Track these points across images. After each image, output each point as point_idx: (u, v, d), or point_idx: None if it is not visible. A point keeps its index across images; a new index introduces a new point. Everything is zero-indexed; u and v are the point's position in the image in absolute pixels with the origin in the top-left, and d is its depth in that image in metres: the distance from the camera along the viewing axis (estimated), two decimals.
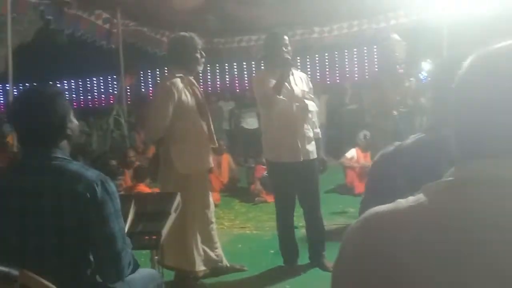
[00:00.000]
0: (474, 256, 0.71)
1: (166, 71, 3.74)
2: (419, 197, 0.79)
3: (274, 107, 3.65)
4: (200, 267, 3.61)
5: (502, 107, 0.76)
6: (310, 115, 3.80)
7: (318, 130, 3.98)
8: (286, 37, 3.78)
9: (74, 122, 1.92)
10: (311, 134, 3.80)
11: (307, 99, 3.77)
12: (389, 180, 1.37)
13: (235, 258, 4.05)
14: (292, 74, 3.78)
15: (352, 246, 0.81)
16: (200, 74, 12.80)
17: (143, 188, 5.53)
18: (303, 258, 3.96)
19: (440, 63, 1.59)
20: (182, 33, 3.62)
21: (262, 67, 3.71)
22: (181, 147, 3.49)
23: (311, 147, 3.78)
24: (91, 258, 1.85)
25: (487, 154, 0.77)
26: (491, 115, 0.77)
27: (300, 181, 3.78)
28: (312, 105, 3.80)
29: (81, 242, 1.78)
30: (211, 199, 3.78)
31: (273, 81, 3.62)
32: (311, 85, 3.92)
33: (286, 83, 3.66)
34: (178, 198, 2.68)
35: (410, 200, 0.79)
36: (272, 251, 4.32)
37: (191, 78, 3.58)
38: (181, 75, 3.49)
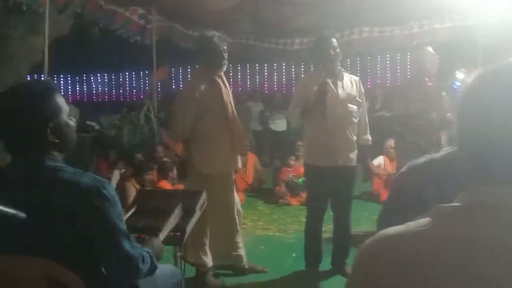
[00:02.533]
0: (477, 282, 0.71)
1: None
2: (427, 221, 0.80)
3: (296, 123, 3.72)
4: (209, 263, 3.63)
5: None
6: (355, 120, 3.74)
7: (367, 136, 3.92)
8: (334, 40, 3.74)
9: (67, 123, 1.69)
10: (353, 140, 3.76)
11: (353, 103, 3.70)
12: (415, 192, 1.35)
13: (257, 259, 4.05)
14: (341, 78, 3.73)
15: (362, 273, 0.83)
16: (231, 74, 12.91)
17: (164, 184, 5.57)
18: (325, 263, 3.94)
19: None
20: (207, 34, 3.61)
21: (303, 71, 3.70)
22: (202, 147, 3.51)
23: (352, 153, 3.73)
24: (103, 269, 1.71)
25: (496, 179, 0.77)
26: (500, 140, 0.76)
27: (335, 186, 3.75)
28: (355, 110, 3.71)
29: (88, 254, 1.64)
30: (237, 200, 3.78)
31: (315, 88, 3.59)
32: (362, 89, 3.86)
33: (332, 86, 3.63)
34: (203, 197, 2.70)
35: (419, 223, 0.80)
36: (294, 255, 4.31)
37: (219, 77, 3.56)
38: (205, 74, 3.51)
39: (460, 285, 0.71)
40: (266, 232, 5.36)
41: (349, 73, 3.92)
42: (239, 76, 13.28)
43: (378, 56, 11.36)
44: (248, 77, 13.06)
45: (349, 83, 3.76)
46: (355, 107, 3.70)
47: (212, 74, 3.53)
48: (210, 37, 3.55)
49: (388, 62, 11.33)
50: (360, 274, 0.83)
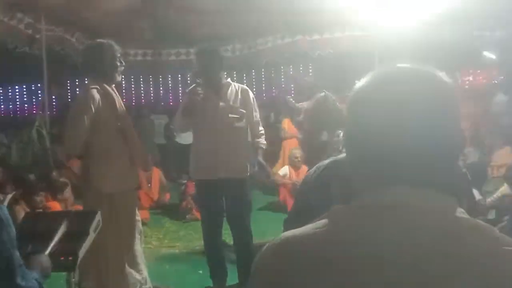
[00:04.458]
0: (372, 284, 0.73)
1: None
2: (324, 222, 0.81)
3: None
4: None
5: (399, 133, 0.78)
6: (239, 128, 3.81)
7: (261, 139, 3.99)
8: (216, 50, 3.85)
9: None
10: (241, 151, 3.81)
11: (235, 114, 3.79)
12: (321, 192, 1.40)
13: (162, 279, 3.97)
14: (225, 89, 3.82)
15: (261, 276, 0.83)
16: (133, 86, 12.61)
17: (54, 205, 5.30)
18: (233, 278, 3.93)
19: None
20: (99, 40, 3.50)
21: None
22: (99, 164, 3.36)
23: (240, 164, 3.79)
24: None
25: (389, 181, 0.79)
26: (392, 143, 0.79)
27: (226, 200, 3.81)
28: (236, 120, 3.80)
29: None
30: (138, 218, 3.68)
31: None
32: (251, 99, 3.93)
33: (215, 98, 3.75)
34: (98, 217, 2.57)
35: (317, 225, 0.81)
36: (200, 272, 4.27)
37: (110, 88, 3.43)
38: (96, 86, 3.35)
39: (361, 281, 0.72)
40: (172, 250, 5.27)
41: (239, 84, 4.04)
42: (142, 88, 12.99)
43: (282, 67, 11.71)
44: (152, 89, 12.82)
45: (233, 94, 3.85)
46: (236, 117, 3.80)
47: (106, 83, 3.39)
48: (104, 43, 3.42)
49: (291, 72, 11.72)
50: (258, 277, 0.83)
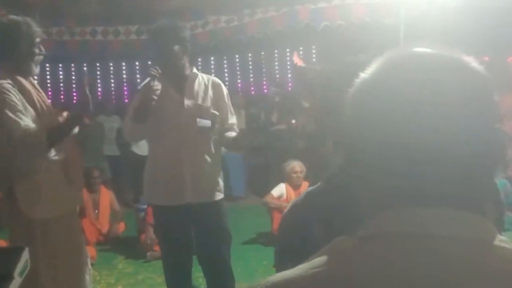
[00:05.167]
0: None
1: None
2: (323, 260, 0.83)
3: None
4: None
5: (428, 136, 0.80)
6: (210, 139, 3.81)
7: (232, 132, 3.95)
8: (184, 29, 3.84)
9: None
10: (213, 166, 3.83)
11: (206, 117, 3.74)
12: (301, 233, 1.44)
13: None
14: (191, 82, 3.81)
15: None
16: (73, 78, 12.53)
17: None
18: None
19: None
20: (12, 17, 3.47)
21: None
22: (28, 183, 3.37)
23: (211, 183, 3.81)
24: None
25: (413, 201, 0.81)
26: (423, 147, 0.80)
27: (196, 229, 3.83)
28: (207, 125, 3.76)
29: None
30: (83, 254, 3.68)
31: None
32: (225, 95, 3.93)
33: (177, 95, 3.75)
34: (25, 256, 2.57)
35: (314, 264, 0.83)
36: None
37: (28, 82, 3.42)
38: (8, 81, 3.28)
39: None
40: None
41: (208, 74, 4.03)
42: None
43: (276, 51, 11.76)
44: (99, 81, 12.77)
45: (202, 89, 3.84)
46: (208, 122, 3.74)
47: (20, 75, 3.37)
48: (14, 23, 3.38)
49: (288, 58, 11.75)
50: None
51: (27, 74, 3.44)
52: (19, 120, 3.19)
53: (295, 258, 0.94)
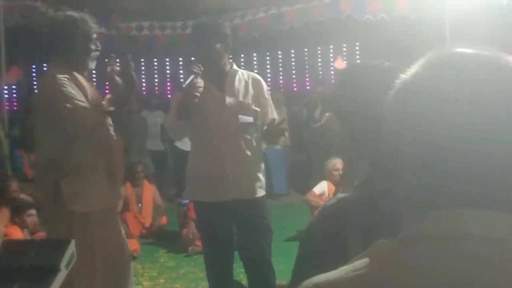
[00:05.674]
0: None
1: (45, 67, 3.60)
2: (365, 262, 0.83)
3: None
4: None
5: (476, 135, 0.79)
6: (249, 137, 3.80)
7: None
8: (221, 25, 3.84)
9: None
10: (255, 164, 3.84)
11: (247, 114, 3.75)
12: (333, 245, 1.41)
13: None
14: (231, 80, 3.82)
15: None
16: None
17: (15, 232, 5.39)
18: None
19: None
20: (69, 12, 3.56)
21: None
22: (73, 177, 3.45)
23: (251, 182, 3.81)
24: None
25: (456, 201, 0.81)
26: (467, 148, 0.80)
27: (237, 226, 3.84)
28: (249, 121, 3.77)
29: None
30: (125, 249, 3.74)
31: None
32: (265, 92, 3.94)
33: (218, 92, 3.76)
34: (71, 248, 2.62)
35: (356, 266, 0.83)
36: None
37: (83, 77, 3.51)
38: (65, 75, 3.38)
39: None
40: None
41: (248, 71, 4.03)
42: None
43: (318, 46, 11.74)
44: (143, 77, 12.91)
45: (242, 86, 3.84)
46: (250, 118, 3.75)
47: (75, 71, 3.46)
48: (71, 19, 3.47)
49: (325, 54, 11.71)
50: None
51: (83, 69, 3.53)
52: (83, 110, 3.32)
53: (320, 266, 0.93)
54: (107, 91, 3.77)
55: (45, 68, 13.32)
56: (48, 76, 3.55)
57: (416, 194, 0.85)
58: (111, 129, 3.50)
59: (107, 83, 3.72)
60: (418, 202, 0.84)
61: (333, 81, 10.90)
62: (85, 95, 3.44)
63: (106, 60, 3.56)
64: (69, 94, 3.31)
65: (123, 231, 3.79)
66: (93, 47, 3.50)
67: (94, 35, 3.53)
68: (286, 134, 4.01)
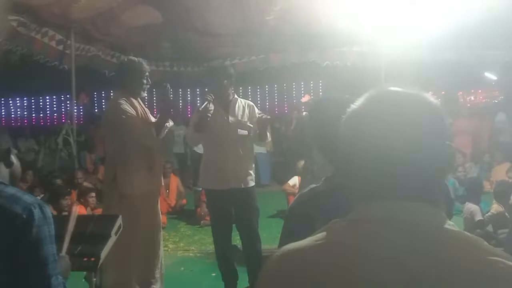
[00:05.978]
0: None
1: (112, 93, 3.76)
2: (324, 235, 0.84)
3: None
4: None
5: (396, 149, 0.81)
6: (245, 145, 3.82)
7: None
8: (227, 67, 3.91)
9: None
10: (248, 163, 3.84)
11: (244, 128, 3.80)
12: (306, 225, 1.39)
13: (177, 281, 3.97)
14: (233, 105, 3.83)
15: (268, 285, 0.85)
16: (154, 98, 12.74)
17: (80, 209, 5.34)
18: (243, 280, 3.93)
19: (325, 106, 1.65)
20: (131, 58, 3.66)
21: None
22: (125, 169, 3.45)
23: (246, 175, 3.81)
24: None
25: (384, 196, 0.82)
26: (388, 160, 0.81)
27: (234, 208, 3.83)
28: (245, 134, 3.81)
29: (12, 265, 1.63)
30: (158, 221, 3.72)
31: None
32: (256, 114, 3.94)
33: (223, 112, 3.78)
34: (119, 221, 2.61)
35: (317, 237, 0.84)
36: (213, 274, 4.27)
37: (136, 101, 3.56)
38: (124, 99, 3.49)
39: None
40: (187, 254, 5.29)
41: (244, 99, 4.04)
42: None
43: (293, 83, 11.78)
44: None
45: (241, 109, 3.88)
46: (245, 132, 3.82)
47: (132, 97, 3.53)
48: (136, 61, 3.58)
49: (302, 88, 11.76)
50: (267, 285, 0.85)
51: (137, 96, 3.58)
52: (136, 122, 3.43)
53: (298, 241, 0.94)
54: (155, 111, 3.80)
55: (103, 94, 13.34)
56: (113, 100, 3.60)
57: (362, 188, 0.85)
58: (153, 137, 3.54)
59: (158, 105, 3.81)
60: (363, 194, 0.84)
61: (303, 107, 10.96)
62: (137, 113, 3.51)
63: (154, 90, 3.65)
64: (125, 111, 3.41)
65: (159, 209, 3.77)
66: (145, 81, 3.57)
67: (147, 73, 3.59)
68: (269, 138, 4.00)
